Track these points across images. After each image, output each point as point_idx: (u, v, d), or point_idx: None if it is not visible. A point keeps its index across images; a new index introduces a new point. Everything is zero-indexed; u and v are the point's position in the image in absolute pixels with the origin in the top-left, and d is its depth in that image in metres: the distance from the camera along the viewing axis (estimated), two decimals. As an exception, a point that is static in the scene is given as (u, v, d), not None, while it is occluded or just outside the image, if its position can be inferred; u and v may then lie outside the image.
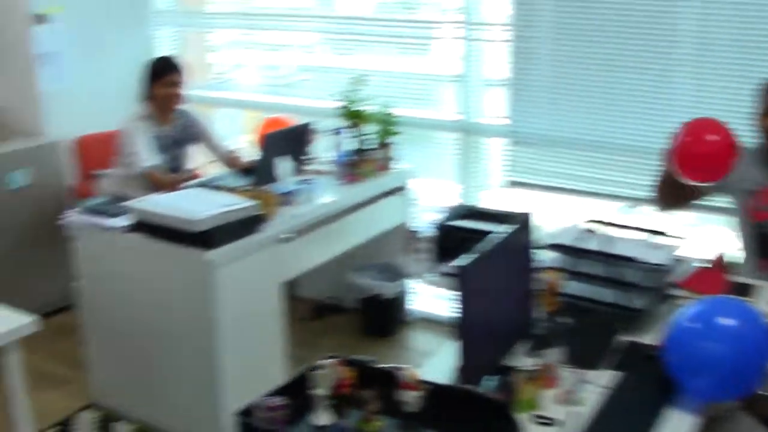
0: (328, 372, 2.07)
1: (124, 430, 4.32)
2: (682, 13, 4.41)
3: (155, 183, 4.73)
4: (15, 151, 5.44)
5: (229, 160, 5.13)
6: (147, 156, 4.83)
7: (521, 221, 2.91)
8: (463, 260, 2.42)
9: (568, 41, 4.75)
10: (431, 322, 5.46)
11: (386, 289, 5.26)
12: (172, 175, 4.90)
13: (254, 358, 4.19)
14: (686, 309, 2.59)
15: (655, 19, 4.49)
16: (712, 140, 3.44)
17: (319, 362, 2.09)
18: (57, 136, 5.63)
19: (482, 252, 2.53)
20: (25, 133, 5.67)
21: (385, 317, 5.36)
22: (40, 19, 5.56)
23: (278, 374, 4.33)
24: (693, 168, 3.49)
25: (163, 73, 4.94)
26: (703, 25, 4.38)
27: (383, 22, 5.65)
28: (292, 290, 5.33)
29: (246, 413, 2.08)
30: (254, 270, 4.10)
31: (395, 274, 5.33)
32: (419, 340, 5.35)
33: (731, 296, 3.07)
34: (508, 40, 4.94)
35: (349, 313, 5.55)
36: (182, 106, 5.09)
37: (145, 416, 4.33)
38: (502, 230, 2.75)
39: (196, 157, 5.27)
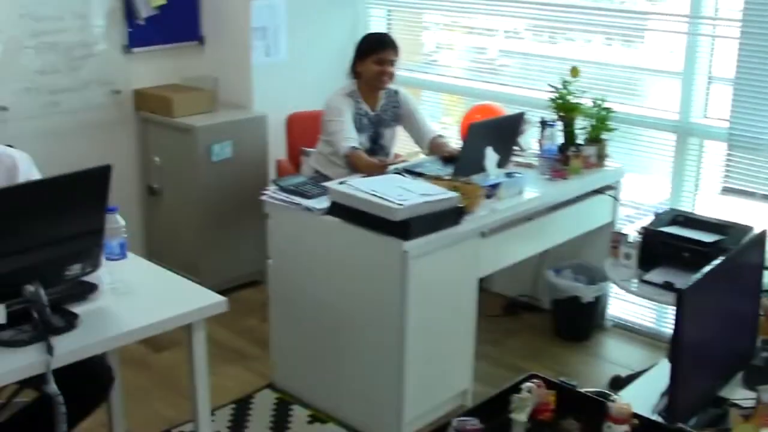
0: (530, 396, 1.90)
1: (302, 414, 4.29)
2: None
3: (358, 164, 4.60)
4: (221, 123, 5.50)
5: (435, 146, 4.95)
6: (351, 135, 4.72)
7: (752, 238, 2.65)
8: (686, 281, 2.21)
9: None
10: (628, 330, 5.25)
11: (584, 291, 5.05)
12: (376, 159, 4.75)
13: (441, 353, 4.11)
14: None
15: None
16: None
17: (522, 385, 1.92)
18: (264, 110, 5.67)
19: (707, 273, 2.31)
20: (233, 106, 5.75)
21: (579, 321, 5.16)
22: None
23: (465, 371, 4.27)
24: None
25: (372, 50, 4.82)
26: None
27: (595, 10, 5.41)
28: (484, 284, 5.18)
29: (438, 432, 1.94)
30: (450, 264, 4.00)
31: (595, 276, 5.10)
32: (613, 347, 5.12)
33: None
34: (735, 37, 4.64)
35: (542, 312, 5.38)
36: (392, 86, 4.97)
37: (323, 403, 4.31)
38: (732, 247, 2.51)
39: (400, 140, 5.16)
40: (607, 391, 2.15)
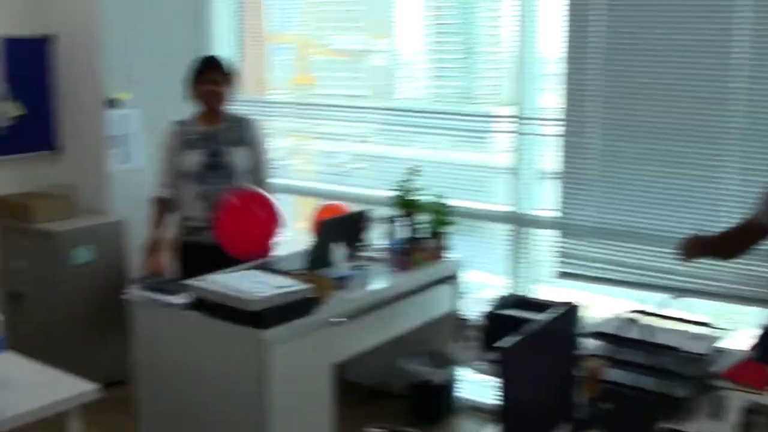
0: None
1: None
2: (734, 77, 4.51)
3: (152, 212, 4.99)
4: (81, 228, 5.68)
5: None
6: (162, 183, 5.07)
7: (566, 309, 3.01)
8: (506, 342, 2.52)
9: (616, 138, 4.89)
10: (479, 411, 5.49)
11: (435, 375, 5.34)
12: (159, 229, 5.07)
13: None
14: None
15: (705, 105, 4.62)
16: None
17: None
18: (121, 215, 5.85)
19: (525, 334, 2.64)
20: (91, 211, 5.91)
21: (433, 404, 5.41)
22: (112, 103, 5.84)
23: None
24: None
25: (199, 72, 4.99)
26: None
27: (439, 114, 5.85)
28: (342, 374, 5.39)
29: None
30: (307, 350, 4.22)
31: (444, 361, 5.40)
32: (466, 428, 5.38)
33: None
34: (559, 135, 5.08)
35: (397, 399, 5.58)
36: (235, 112, 5.15)
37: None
38: (545, 316, 2.85)
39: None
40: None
